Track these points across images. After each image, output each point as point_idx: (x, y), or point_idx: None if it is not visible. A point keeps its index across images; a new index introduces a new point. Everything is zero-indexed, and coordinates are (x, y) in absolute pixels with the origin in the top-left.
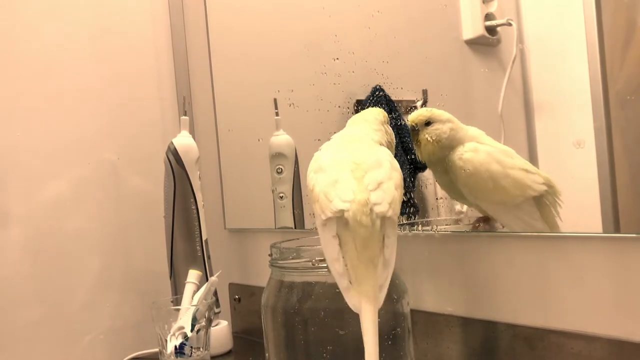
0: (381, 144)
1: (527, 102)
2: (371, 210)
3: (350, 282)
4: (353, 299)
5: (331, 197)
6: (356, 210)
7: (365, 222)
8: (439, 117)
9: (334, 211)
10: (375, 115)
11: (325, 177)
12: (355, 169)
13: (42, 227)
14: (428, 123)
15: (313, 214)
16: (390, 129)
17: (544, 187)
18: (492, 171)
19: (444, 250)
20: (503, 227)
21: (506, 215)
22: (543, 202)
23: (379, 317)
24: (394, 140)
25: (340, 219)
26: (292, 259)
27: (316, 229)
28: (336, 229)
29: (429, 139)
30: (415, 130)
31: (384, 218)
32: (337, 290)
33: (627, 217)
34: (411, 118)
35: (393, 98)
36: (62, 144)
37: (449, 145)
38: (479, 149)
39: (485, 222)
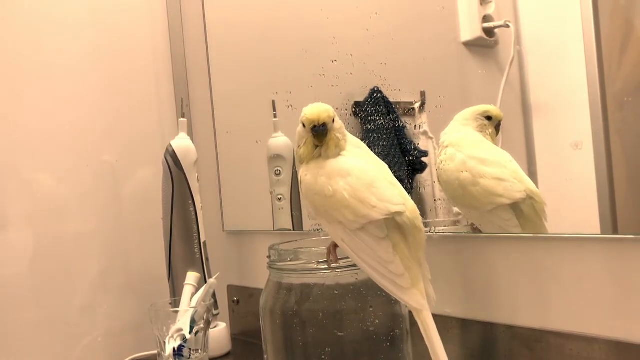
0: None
1: (524, 104)
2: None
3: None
4: (416, 296)
5: (373, 202)
6: (412, 216)
7: (421, 226)
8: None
9: (387, 213)
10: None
11: (354, 181)
12: (386, 176)
13: (41, 229)
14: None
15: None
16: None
17: (521, 195)
18: (462, 179)
19: (442, 252)
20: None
21: (480, 219)
22: (521, 209)
23: (377, 319)
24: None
25: (389, 221)
26: (291, 260)
27: (317, 230)
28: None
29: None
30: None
31: None
32: (336, 292)
33: (625, 219)
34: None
35: (391, 100)
36: (61, 146)
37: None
38: (455, 158)
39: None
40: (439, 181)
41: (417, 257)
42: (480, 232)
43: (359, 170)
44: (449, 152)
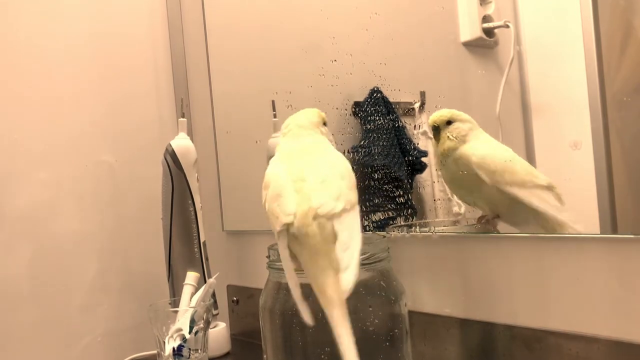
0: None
1: (524, 104)
2: (316, 216)
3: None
4: (305, 314)
5: (276, 213)
6: (300, 224)
7: (312, 232)
8: (459, 117)
9: (281, 224)
10: (310, 118)
11: (270, 193)
12: (296, 180)
13: (40, 229)
14: (449, 122)
15: None
16: (326, 128)
17: (547, 183)
18: (498, 157)
19: (441, 252)
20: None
21: (522, 192)
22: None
23: (376, 319)
24: (332, 139)
25: (288, 232)
26: None
27: None
28: (287, 242)
29: (449, 136)
30: (436, 128)
31: (333, 215)
32: None
33: (624, 218)
34: (432, 118)
35: (391, 100)
36: (60, 145)
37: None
38: (478, 148)
39: (488, 221)
40: (467, 162)
41: (321, 264)
42: (491, 228)
43: (274, 180)
44: (465, 147)
